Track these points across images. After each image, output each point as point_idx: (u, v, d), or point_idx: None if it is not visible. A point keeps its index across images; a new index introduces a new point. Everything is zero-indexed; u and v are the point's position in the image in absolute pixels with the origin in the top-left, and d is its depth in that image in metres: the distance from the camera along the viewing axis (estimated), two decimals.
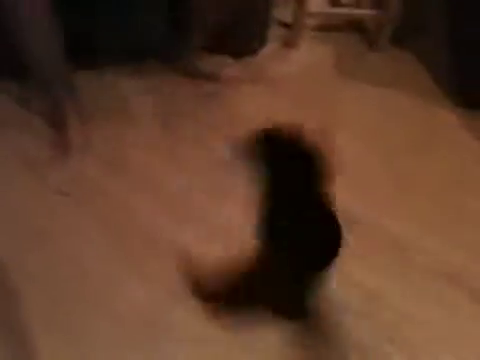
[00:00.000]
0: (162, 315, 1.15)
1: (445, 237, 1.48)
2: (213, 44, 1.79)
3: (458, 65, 1.92)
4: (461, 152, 1.71)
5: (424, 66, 1.94)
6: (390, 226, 1.46)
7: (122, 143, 1.59)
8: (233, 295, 1.20)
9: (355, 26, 2.09)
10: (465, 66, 1.88)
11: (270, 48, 1.99)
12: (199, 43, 1.77)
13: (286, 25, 2.05)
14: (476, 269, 1.41)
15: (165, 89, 1.78)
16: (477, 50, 1.79)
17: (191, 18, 1.65)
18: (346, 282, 1.27)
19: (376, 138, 1.73)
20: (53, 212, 1.37)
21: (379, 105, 1.84)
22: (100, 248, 1.29)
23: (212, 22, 1.66)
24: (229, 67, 1.80)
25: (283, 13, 2.08)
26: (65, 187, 1.40)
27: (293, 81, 1.90)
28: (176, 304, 1.17)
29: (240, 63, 1.89)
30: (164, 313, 1.16)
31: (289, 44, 2.01)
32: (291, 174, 0.97)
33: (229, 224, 1.34)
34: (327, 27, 2.09)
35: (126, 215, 1.37)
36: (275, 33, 2.03)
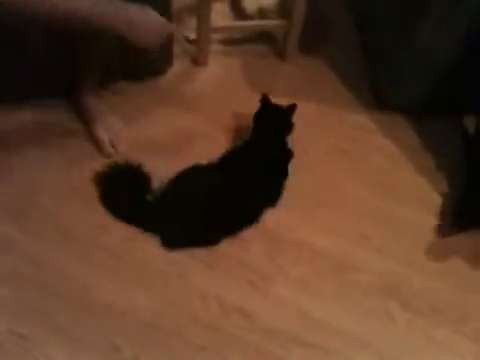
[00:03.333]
0: None
1: (376, 249, 1.47)
2: (111, 71, 1.66)
3: (368, 67, 1.93)
4: (380, 155, 1.71)
5: (333, 72, 1.95)
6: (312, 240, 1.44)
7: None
8: None
9: (262, 37, 2.05)
10: (375, 68, 1.89)
11: (178, 67, 1.90)
12: (90, 75, 1.62)
13: (192, 42, 1.98)
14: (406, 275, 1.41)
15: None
16: (386, 51, 1.81)
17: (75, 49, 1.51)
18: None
19: (296, 150, 1.70)
20: None
21: (295, 116, 1.80)
22: None
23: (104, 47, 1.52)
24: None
25: (188, 29, 2.01)
26: None
27: (206, 99, 1.83)
28: None
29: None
30: None
31: (197, 61, 1.94)
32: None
33: None
34: (234, 40, 2.04)
35: None
36: (182, 51, 1.96)
